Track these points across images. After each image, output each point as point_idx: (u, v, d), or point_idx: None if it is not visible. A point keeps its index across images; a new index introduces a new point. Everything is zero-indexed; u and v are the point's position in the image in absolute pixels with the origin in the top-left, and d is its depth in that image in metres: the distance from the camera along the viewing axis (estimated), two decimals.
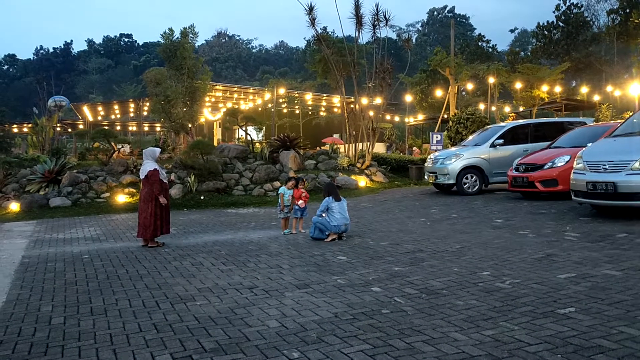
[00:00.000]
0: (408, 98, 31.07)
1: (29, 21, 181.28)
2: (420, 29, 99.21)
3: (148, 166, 8.82)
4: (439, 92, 27.22)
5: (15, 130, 43.20)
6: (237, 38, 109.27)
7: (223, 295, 5.52)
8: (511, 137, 13.77)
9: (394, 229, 9.42)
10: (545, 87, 23.87)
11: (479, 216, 10.20)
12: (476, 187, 13.59)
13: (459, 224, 9.48)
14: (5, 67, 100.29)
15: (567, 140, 11.95)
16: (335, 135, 34.99)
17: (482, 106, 27.58)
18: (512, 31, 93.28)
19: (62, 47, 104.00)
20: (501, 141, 13.53)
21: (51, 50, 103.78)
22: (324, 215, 8.68)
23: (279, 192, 9.91)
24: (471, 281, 5.53)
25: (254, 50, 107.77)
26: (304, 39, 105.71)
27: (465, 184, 13.62)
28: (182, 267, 7.02)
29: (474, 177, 13.59)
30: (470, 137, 15.58)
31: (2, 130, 41.76)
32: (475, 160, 13.60)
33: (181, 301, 5.35)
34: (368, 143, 18.39)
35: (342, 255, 7.36)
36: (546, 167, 11.19)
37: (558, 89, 25.22)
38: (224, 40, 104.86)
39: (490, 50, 39.53)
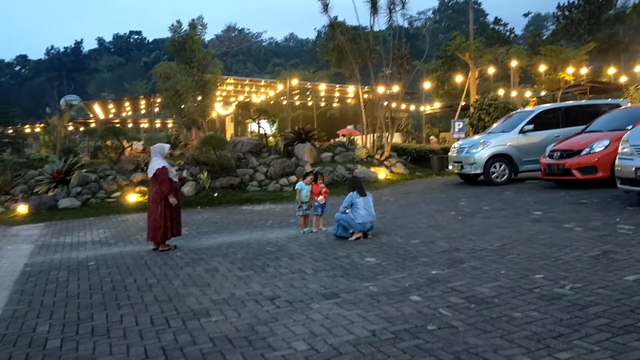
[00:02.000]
0: (427, 85, 30.11)
1: (39, 21, 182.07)
2: (431, 16, 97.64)
3: (156, 164, 8.18)
4: (459, 78, 26.28)
5: (28, 130, 43.05)
6: (247, 32, 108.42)
7: (241, 308, 4.87)
8: (541, 122, 12.93)
9: (422, 225, 8.71)
10: (570, 69, 22.85)
11: (514, 208, 9.44)
12: (505, 177, 12.80)
13: (493, 218, 8.73)
14: (17, 67, 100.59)
15: (604, 124, 11.12)
16: (349, 127, 34.23)
17: (501, 92, 26.60)
18: (525, 15, 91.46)
19: (73, 46, 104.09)
20: (531, 127, 12.71)
21: (62, 49, 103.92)
22: (347, 211, 7.99)
23: (295, 187, 9.24)
24: (524, 286, 4.82)
25: (264, 44, 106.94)
26: (315, 29, 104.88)
27: (493, 173, 12.82)
28: (195, 274, 6.38)
29: (503, 165, 12.79)
30: (496, 124, 14.77)
31: (15, 131, 41.65)
32: (504, 147, 12.78)
33: (194, 317, 4.71)
34: (387, 133, 17.64)
35: (370, 256, 6.67)
36: (583, 152, 10.38)
37: (584, 70, 24.16)
38: (233, 34, 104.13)
39: (507, 34, 38.32)
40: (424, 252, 6.66)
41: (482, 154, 12.76)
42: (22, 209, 13.82)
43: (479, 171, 12.88)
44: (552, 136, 12.53)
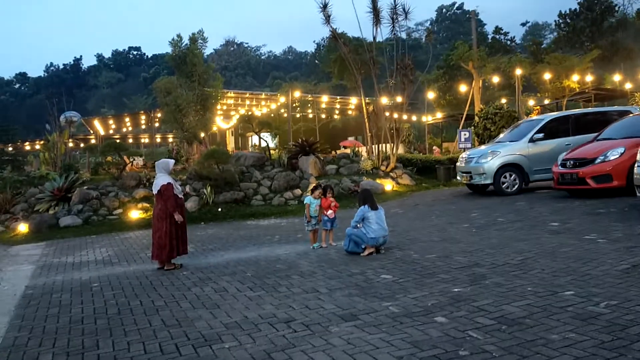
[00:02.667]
0: (430, 95, 29.92)
1: (38, 39, 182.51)
2: (429, 27, 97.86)
3: (161, 180, 7.93)
4: (462, 88, 26.10)
5: (28, 147, 42.86)
6: (246, 45, 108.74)
7: (255, 332, 4.58)
8: (551, 130, 12.66)
9: (436, 238, 8.43)
10: (575, 77, 22.64)
11: (529, 219, 9.16)
12: (515, 187, 12.52)
13: (509, 230, 8.46)
14: (17, 85, 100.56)
15: (617, 131, 10.86)
16: (350, 138, 34.03)
17: (503, 100, 26.42)
18: (523, 25, 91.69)
19: (72, 63, 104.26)
20: (541, 135, 12.45)
21: (61, 66, 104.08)
22: (359, 226, 7.72)
23: (304, 202, 8.96)
24: (556, 305, 4.54)
25: (262, 57, 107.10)
26: (314, 42, 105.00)
27: (503, 183, 12.55)
28: (203, 295, 6.10)
29: (513, 175, 12.52)
30: (503, 133, 14.51)
31: (15, 148, 41.50)
32: (514, 157, 12.52)
33: (206, 343, 4.43)
34: (391, 144, 17.39)
35: (385, 273, 6.39)
36: (597, 161, 10.12)
37: (589, 78, 23.95)
38: (232, 49, 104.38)
39: (508, 42, 38.23)
40: (442, 267, 6.38)
41: (492, 163, 12.50)
42: (23, 227, 13.55)
43: (488, 181, 12.61)
44: (562, 145, 12.27)
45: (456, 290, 5.32)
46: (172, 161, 8.47)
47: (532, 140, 12.53)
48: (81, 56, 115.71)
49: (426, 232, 9.07)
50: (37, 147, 39.77)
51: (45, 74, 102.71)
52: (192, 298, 6.03)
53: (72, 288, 7.11)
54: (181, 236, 7.98)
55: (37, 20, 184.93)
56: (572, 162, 10.54)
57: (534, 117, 15.21)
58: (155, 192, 7.99)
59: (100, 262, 9.03)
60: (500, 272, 5.88)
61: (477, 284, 5.46)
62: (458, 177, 14.17)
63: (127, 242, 11.32)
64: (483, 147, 14.17)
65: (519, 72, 21.26)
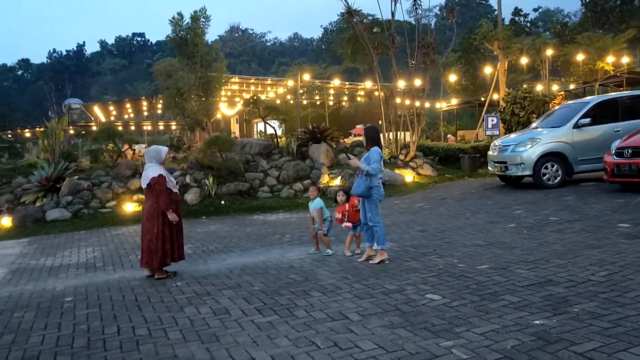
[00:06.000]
0: (452, 78, 28.31)
1: (41, 25, 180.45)
2: (438, 13, 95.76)
3: (151, 171, 6.55)
4: (488, 70, 24.49)
5: (28, 135, 41.68)
6: (251, 32, 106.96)
7: None
8: (597, 115, 11.18)
9: (480, 242, 7.04)
10: (610, 59, 21.02)
11: (589, 219, 7.74)
12: (558, 179, 11.06)
13: (569, 232, 7.05)
14: (20, 72, 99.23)
15: None
16: (359, 126, 32.57)
17: (524, 86, 24.84)
18: (535, 10, 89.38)
19: (75, 49, 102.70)
20: (587, 120, 10.97)
21: (64, 53, 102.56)
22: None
23: (315, 206, 7.40)
24: None
25: (268, 44, 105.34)
26: (321, 26, 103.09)
27: (544, 174, 11.10)
28: (199, 320, 4.75)
29: (555, 165, 11.07)
30: (541, 119, 13.01)
31: (14, 135, 40.30)
32: (556, 145, 11.03)
33: None
34: (410, 131, 15.95)
35: (431, 290, 5.02)
36: None
37: (625, 59, 22.30)
38: (237, 35, 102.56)
39: (528, 25, 36.37)
40: (503, 285, 5.00)
41: (532, 152, 11.02)
42: (6, 221, 12.23)
43: (527, 173, 11.15)
44: (611, 131, 10.82)
45: (538, 323, 3.95)
46: (165, 149, 7.04)
47: (577, 126, 11.04)
48: (84, 42, 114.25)
49: (465, 234, 7.67)
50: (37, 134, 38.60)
51: (48, 61, 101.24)
52: (184, 324, 4.67)
53: (40, 304, 5.77)
54: (176, 239, 6.62)
55: (40, 6, 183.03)
56: (630, 150, 9.08)
57: (585, 99, 13.51)
58: (144, 185, 6.64)
59: (83, 266, 7.69)
60: (586, 294, 4.49)
61: (564, 314, 4.07)
62: (489, 168, 12.70)
63: (118, 239, 9.99)
64: (518, 134, 12.68)
65: (549, 52, 19.65)
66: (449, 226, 8.40)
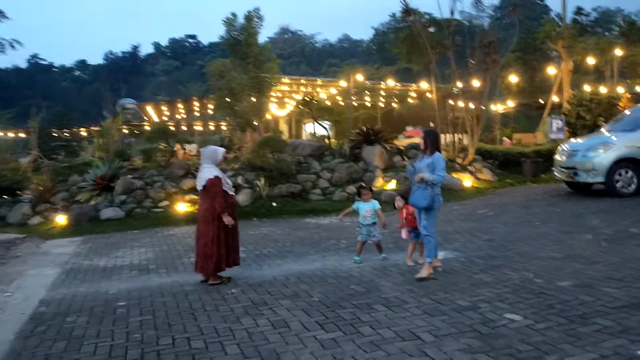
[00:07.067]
0: (513, 79, 27.24)
1: (98, 28, 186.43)
2: (492, 13, 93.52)
3: (207, 172, 6.30)
4: (551, 70, 23.42)
5: (84, 134, 42.86)
6: (300, 33, 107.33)
7: None
8: None
9: (556, 254, 6.48)
10: None
11: None
12: (633, 186, 10.30)
13: None
14: (77, 72, 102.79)
15: None
16: (409, 128, 31.89)
17: (587, 88, 23.67)
18: (594, 10, 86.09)
19: (130, 51, 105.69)
20: None
21: (120, 54, 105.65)
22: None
23: (375, 205, 6.99)
24: None
25: (317, 45, 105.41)
26: (372, 27, 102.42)
27: (617, 181, 10.35)
28: (257, 333, 4.44)
29: (630, 172, 10.30)
30: (611, 122, 12.19)
31: (71, 134, 41.48)
32: (632, 150, 10.27)
33: None
34: (469, 134, 15.29)
35: (509, 309, 4.56)
36: None
37: None
38: (287, 36, 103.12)
39: (590, 25, 34.79)
40: (591, 305, 4.49)
41: (605, 158, 10.29)
42: (61, 219, 12.34)
43: (599, 179, 10.42)
44: None
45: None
46: (221, 149, 6.75)
47: None
48: (139, 44, 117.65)
49: (538, 245, 7.11)
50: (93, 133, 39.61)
51: (104, 62, 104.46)
52: (242, 337, 4.38)
53: (93, 308, 5.61)
54: (232, 243, 6.36)
55: (97, 9, 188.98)
56: None
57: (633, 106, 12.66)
58: (199, 187, 6.39)
59: (136, 268, 7.55)
60: None
61: None
62: (556, 173, 11.95)
63: (171, 240, 9.86)
64: (588, 138, 11.89)
65: (618, 52, 18.55)
66: (517, 236, 7.85)
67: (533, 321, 4.23)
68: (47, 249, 9.75)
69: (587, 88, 22.50)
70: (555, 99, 21.51)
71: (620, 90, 23.56)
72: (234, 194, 6.58)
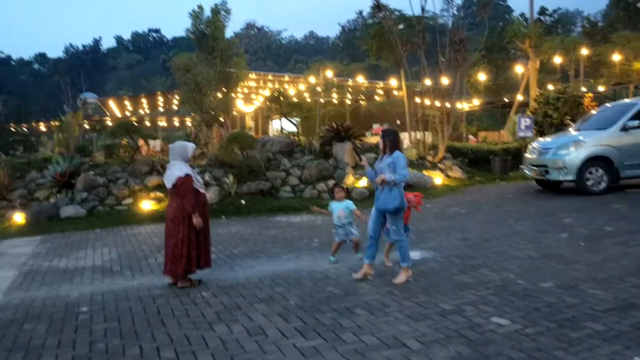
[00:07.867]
0: (482, 77, 27.45)
1: (58, 20, 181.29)
2: (455, 13, 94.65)
3: (176, 170, 5.98)
4: (519, 69, 23.62)
5: (43, 128, 41.45)
6: (267, 29, 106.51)
7: None
8: None
9: (534, 253, 6.40)
10: None
11: None
12: (602, 184, 10.39)
13: (632, 244, 6.40)
14: (36, 66, 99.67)
15: None
16: (376, 125, 31.86)
17: (550, 87, 24.03)
18: (555, 11, 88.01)
19: (91, 44, 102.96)
20: (636, 123, 10.29)
21: (81, 48, 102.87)
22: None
23: (350, 206, 6.79)
24: None
25: (283, 42, 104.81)
26: (339, 24, 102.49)
27: (588, 179, 10.42)
28: (231, 341, 4.17)
29: (600, 170, 10.39)
30: (580, 120, 12.31)
31: (29, 129, 40.04)
32: (602, 149, 10.36)
33: None
34: (440, 131, 15.26)
35: (495, 313, 4.41)
36: None
37: None
38: (253, 32, 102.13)
39: (553, 25, 35.37)
40: (579, 308, 4.38)
41: (576, 156, 10.35)
42: (19, 218, 11.77)
43: (570, 177, 10.47)
44: None
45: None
46: (191, 145, 6.43)
47: (624, 129, 10.36)
48: (100, 38, 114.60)
49: (514, 243, 7.03)
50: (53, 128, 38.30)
51: (65, 55, 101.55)
52: (216, 346, 4.10)
53: (53, 314, 5.23)
54: (203, 245, 6.05)
55: (57, 1, 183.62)
56: None
57: (631, 100, 12.76)
58: (169, 185, 6.05)
59: (99, 270, 7.15)
60: None
61: None
62: (526, 171, 12.00)
63: (135, 239, 9.45)
64: (558, 136, 11.94)
65: (584, 52, 18.84)
66: (493, 234, 7.77)
67: (522, 326, 4.08)
68: (3, 250, 9.21)
69: (550, 87, 22.85)
70: (519, 97, 21.73)
71: (583, 89, 24.04)
72: (205, 192, 6.26)
